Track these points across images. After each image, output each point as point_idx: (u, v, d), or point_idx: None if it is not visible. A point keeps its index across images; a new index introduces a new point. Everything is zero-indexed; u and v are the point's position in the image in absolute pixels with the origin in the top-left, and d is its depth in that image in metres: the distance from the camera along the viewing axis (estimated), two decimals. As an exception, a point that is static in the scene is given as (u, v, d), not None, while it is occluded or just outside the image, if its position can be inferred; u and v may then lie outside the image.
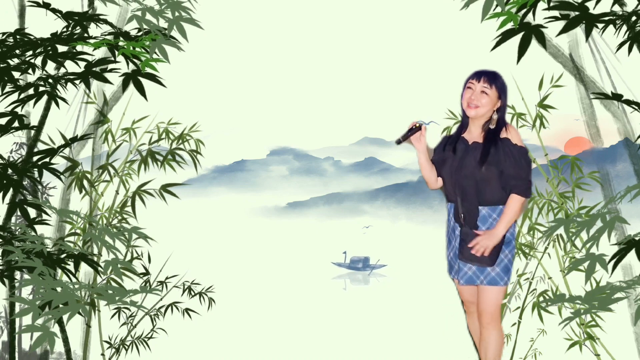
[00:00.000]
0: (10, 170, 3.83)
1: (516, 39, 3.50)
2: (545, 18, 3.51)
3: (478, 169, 3.22)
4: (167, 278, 4.55)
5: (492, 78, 3.25)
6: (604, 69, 4.29)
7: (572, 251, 4.19)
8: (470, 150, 3.27)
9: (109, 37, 3.87)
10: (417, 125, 3.28)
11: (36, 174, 3.93)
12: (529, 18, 3.50)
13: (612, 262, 3.58)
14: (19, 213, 3.95)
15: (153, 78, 3.80)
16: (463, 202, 3.27)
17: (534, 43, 3.49)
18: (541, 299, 4.28)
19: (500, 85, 3.25)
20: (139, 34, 3.90)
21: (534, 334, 4.39)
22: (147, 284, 4.47)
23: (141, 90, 3.79)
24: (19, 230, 3.91)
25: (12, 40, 3.92)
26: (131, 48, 3.77)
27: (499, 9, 3.54)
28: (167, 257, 4.54)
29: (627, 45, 3.50)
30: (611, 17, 3.48)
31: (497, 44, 3.51)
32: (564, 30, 3.50)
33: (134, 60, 3.80)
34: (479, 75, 3.27)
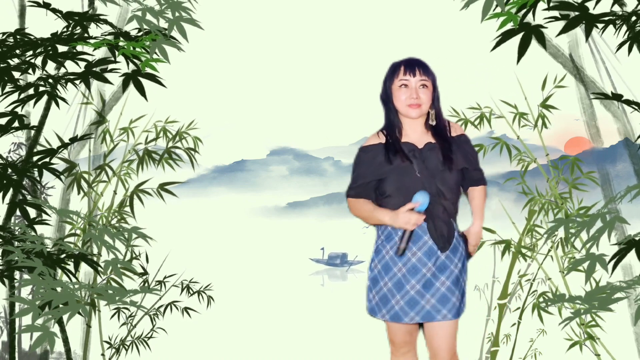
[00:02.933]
0: (10, 170, 3.84)
1: (516, 40, 3.49)
2: (545, 18, 3.51)
3: (446, 173, 2.79)
4: (165, 277, 4.55)
5: (425, 67, 2.80)
6: (603, 69, 4.29)
7: (571, 252, 4.19)
8: (427, 153, 2.80)
9: (109, 37, 3.86)
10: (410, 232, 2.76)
11: (36, 174, 3.94)
12: (529, 18, 3.50)
13: (612, 262, 3.58)
14: (18, 213, 3.95)
15: (153, 78, 3.79)
16: (440, 218, 2.79)
17: (534, 43, 3.49)
18: (541, 299, 4.28)
19: (433, 74, 2.82)
20: (139, 34, 3.90)
21: (534, 334, 4.39)
22: (146, 284, 4.47)
23: (141, 90, 3.79)
24: (19, 230, 3.90)
25: (12, 40, 3.91)
26: (131, 48, 3.77)
27: (499, 9, 3.54)
28: (165, 257, 4.53)
29: (627, 46, 3.49)
30: (611, 17, 3.48)
31: (497, 44, 3.50)
32: (564, 30, 3.49)
33: (134, 60, 3.80)
34: (411, 67, 2.79)
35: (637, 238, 3.50)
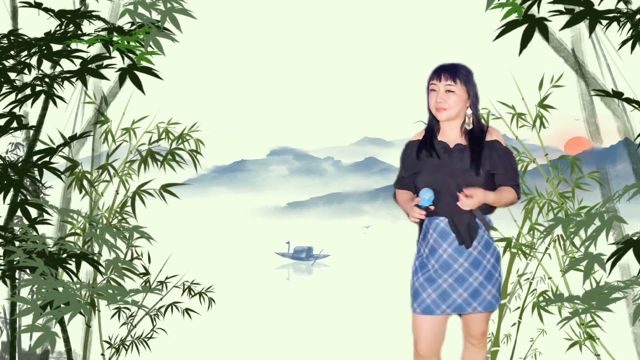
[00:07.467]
0: (10, 171, 3.84)
1: (515, 38, 3.48)
2: (550, 11, 3.49)
3: (470, 175, 2.93)
4: (167, 278, 4.55)
5: (453, 72, 2.96)
6: (605, 66, 4.29)
7: (571, 251, 4.19)
8: (455, 153, 2.98)
9: (103, 33, 3.84)
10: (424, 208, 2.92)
11: (36, 174, 3.94)
12: (534, 10, 3.47)
13: (610, 261, 3.58)
14: (19, 213, 3.96)
15: (149, 71, 3.76)
16: (460, 214, 2.92)
17: (535, 39, 3.47)
18: (541, 299, 4.28)
19: (464, 78, 2.97)
20: (133, 28, 3.88)
21: (534, 334, 4.39)
22: (147, 284, 4.47)
23: (138, 84, 3.75)
24: (20, 230, 3.91)
25: (6, 41, 3.91)
26: (125, 42, 3.73)
27: (503, 0, 3.52)
28: (168, 257, 4.54)
29: (630, 43, 3.49)
30: (615, 15, 3.46)
31: (500, 34, 3.46)
32: (568, 24, 3.47)
33: (129, 54, 3.76)
34: (438, 73, 2.98)
35: (635, 238, 3.50)
